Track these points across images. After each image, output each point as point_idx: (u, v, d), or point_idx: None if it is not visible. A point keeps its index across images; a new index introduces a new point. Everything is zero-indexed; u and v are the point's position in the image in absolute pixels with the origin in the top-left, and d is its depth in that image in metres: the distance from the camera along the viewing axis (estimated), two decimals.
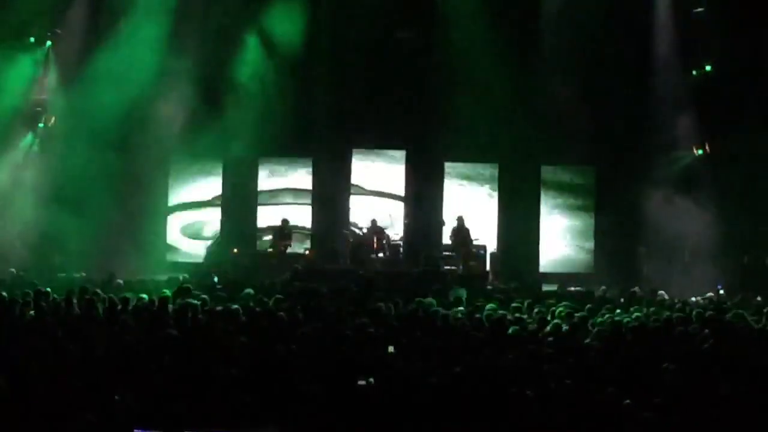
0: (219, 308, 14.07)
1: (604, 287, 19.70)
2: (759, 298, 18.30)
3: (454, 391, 9.36)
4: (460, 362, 10.29)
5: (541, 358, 10.85)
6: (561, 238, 26.44)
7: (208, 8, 24.00)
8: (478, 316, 14.09)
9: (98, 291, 15.19)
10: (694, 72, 24.17)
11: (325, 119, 25.06)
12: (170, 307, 14.09)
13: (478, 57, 23.58)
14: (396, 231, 24.73)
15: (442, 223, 25.16)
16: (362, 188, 26.22)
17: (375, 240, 23.89)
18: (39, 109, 23.91)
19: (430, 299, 15.71)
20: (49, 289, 15.05)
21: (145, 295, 14.94)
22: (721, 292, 21.00)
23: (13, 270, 19.68)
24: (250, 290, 16.55)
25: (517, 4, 24.61)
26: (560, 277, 23.70)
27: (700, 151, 24.32)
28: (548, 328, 13.17)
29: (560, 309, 14.79)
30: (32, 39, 23.52)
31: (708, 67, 23.92)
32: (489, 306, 15.12)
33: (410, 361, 10.62)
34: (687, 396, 9.36)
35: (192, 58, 23.73)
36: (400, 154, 26.36)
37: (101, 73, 22.99)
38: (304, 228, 25.66)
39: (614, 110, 24.60)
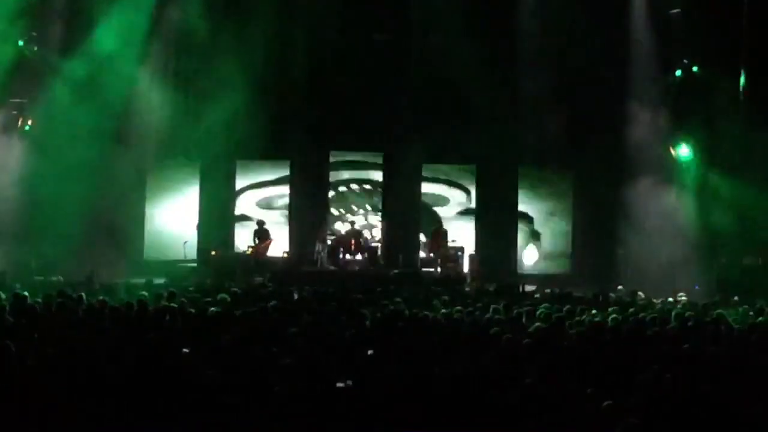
0: (194, 311, 13.99)
1: (583, 289, 19.72)
2: (736, 298, 18.39)
3: (432, 393, 9.36)
4: (439, 364, 10.29)
5: (519, 360, 10.86)
6: (539, 239, 26.49)
7: (186, 10, 23.89)
8: (456, 317, 14.10)
9: (80, 294, 15.09)
10: (678, 72, 24.25)
11: (303, 122, 25.02)
12: (149, 309, 14.03)
13: (455, 59, 23.58)
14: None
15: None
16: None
17: (353, 242, 23.93)
18: (15, 112, 23.71)
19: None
20: (26, 293, 14.94)
21: (123, 299, 14.88)
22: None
23: None
24: (225, 295, 16.47)
25: (493, 5, 24.62)
26: (538, 279, 23.75)
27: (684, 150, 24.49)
28: (526, 329, 13.17)
29: (539, 310, 14.80)
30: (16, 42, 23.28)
31: (695, 68, 24.03)
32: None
33: (389, 364, 10.61)
34: (665, 396, 9.39)
35: (172, 59, 23.69)
36: (378, 156, 26.44)
37: (77, 76, 22.88)
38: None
39: (592, 112, 24.66)
